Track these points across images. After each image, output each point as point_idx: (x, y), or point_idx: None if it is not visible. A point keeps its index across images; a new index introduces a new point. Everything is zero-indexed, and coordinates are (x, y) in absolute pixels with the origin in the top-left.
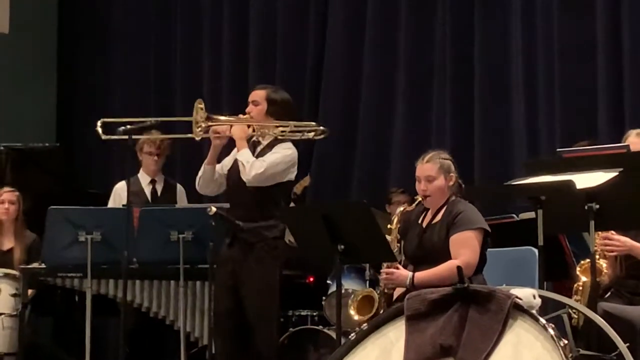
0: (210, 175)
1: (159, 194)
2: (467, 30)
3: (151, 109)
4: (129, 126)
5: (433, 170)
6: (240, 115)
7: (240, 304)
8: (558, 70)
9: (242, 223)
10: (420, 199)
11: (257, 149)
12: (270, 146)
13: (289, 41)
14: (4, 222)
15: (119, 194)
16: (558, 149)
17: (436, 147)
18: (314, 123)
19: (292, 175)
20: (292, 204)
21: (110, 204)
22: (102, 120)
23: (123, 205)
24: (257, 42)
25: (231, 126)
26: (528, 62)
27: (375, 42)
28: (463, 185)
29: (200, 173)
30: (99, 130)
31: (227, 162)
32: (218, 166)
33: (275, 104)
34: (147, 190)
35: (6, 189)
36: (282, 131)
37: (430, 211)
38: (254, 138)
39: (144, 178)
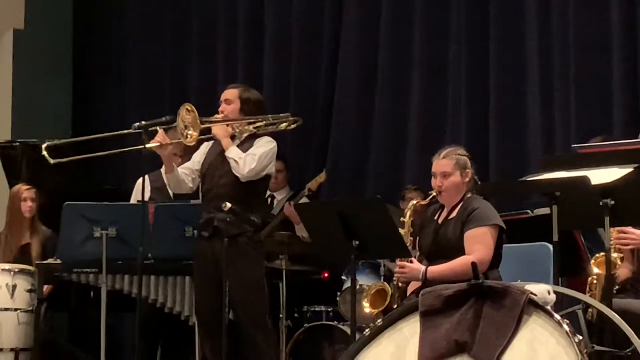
0: (175, 181)
1: None
2: (483, 26)
3: (167, 103)
4: (143, 122)
5: (449, 167)
6: (217, 115)
7: (224, 300)
8: (574, 66)
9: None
10: (434, 194)
11: (235, 144)
12: (249, 140)
13: (304, 40)
14: (26, 218)
15: (141, 190)
16: (573, 145)
17: (452, 143)
18: (288, 114)
19: (273, 169)
20: (306, 200)
21: (133, 199)
22: (47, 144)
23: (138, 201)
24: (273, 41)
25: (211, 128)
26: (544, 59)
27: (390, 38)
28: (479, 182)
29: (166, 181)
30: (47, 155)
31: (199, 157)
32: (189, 163)
33: (249, 102)
34: None
35: (24, 187)
36: (259, 126)
37: (446, 208)
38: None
39: None
